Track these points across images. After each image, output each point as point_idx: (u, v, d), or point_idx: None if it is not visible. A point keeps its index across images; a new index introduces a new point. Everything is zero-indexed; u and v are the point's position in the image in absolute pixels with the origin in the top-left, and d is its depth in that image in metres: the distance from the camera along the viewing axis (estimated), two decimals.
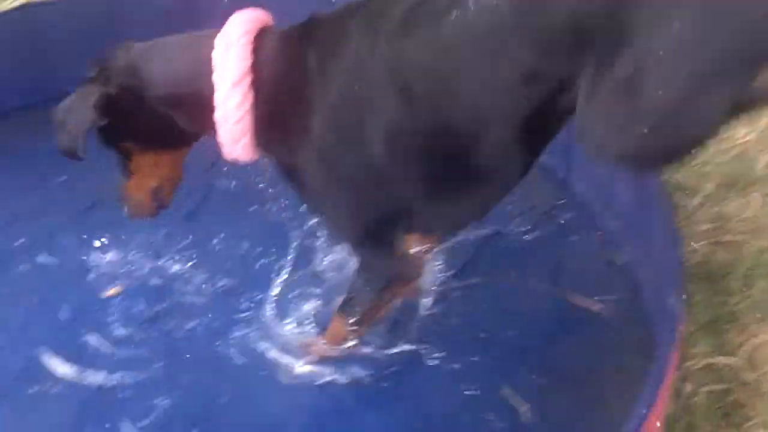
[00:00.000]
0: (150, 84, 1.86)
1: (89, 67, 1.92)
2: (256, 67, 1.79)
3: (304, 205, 2.12)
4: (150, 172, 2.02)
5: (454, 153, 1.75)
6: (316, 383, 2.11)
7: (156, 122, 1.90)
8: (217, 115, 1.81)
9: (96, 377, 2.18)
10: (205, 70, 1.80)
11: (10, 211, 2.67)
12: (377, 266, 1.95)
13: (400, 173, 1.78)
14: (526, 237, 2.44)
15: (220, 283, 2.38)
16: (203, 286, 2.39)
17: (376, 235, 1.89)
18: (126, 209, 2.10)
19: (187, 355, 2.23)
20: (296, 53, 1.81)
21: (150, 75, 1.87)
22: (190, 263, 2.44)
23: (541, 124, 1.72)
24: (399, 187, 1.80)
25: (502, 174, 1.82)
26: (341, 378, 2.10)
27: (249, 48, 1.79)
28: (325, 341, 2.13)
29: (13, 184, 2.78)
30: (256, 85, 1.79)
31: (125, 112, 1.88)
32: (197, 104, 1.82)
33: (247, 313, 2.28)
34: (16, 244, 2.56)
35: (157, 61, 1.88)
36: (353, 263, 2.05)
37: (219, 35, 1.82)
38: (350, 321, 2.03)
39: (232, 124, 1.80)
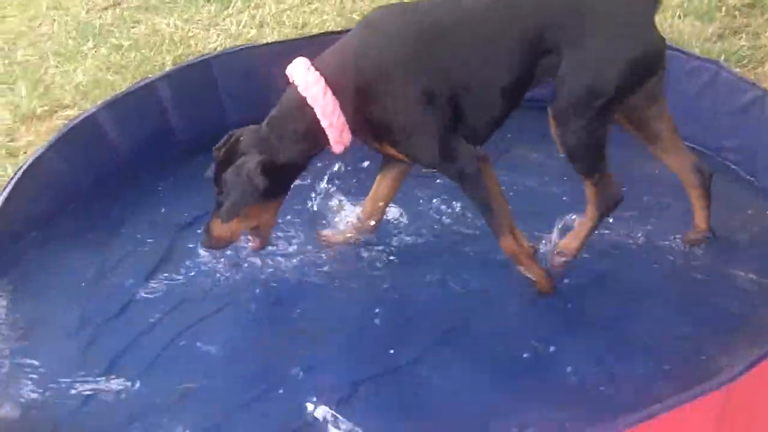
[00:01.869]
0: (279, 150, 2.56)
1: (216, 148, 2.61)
2: (327, 82, 2.52)
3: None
4: (255, 216, 2.65)
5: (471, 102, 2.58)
6: None
7: (284, 174, 2.61)
8: (324, 124, 2.52)
9: None
10: (305, 109, 2.52)
11: None
12: (463, 159, 2.58)
13: (445, 110, 2.55)
14: None
15: None
16: None
17: (450, 142, 2.57)
18: (207, 242, 2.69)
19: None
20: (344, 61, 2.56)
21: (277, 143, 2.56)
22: None
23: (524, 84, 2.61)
24: (447, 116, 2.56)
25: (497, 110, 2.64)
26: None
27: (317, 73, 2.52)
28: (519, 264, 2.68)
29: None
30: (334, 90, 2.51)
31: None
32: (310, 130, 2.54)
33: None
34: None
35: (277, 130, 2.57)
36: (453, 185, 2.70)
37: (296, 84, 2.54)
38: (506, 231, 2.61)
39: (336, 122, 2.52)
